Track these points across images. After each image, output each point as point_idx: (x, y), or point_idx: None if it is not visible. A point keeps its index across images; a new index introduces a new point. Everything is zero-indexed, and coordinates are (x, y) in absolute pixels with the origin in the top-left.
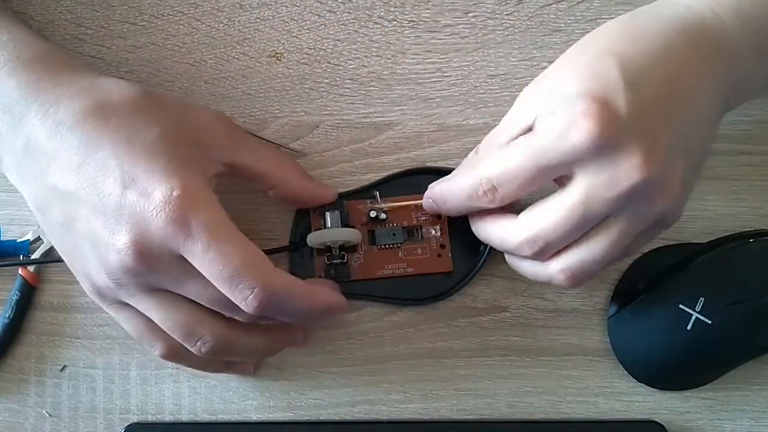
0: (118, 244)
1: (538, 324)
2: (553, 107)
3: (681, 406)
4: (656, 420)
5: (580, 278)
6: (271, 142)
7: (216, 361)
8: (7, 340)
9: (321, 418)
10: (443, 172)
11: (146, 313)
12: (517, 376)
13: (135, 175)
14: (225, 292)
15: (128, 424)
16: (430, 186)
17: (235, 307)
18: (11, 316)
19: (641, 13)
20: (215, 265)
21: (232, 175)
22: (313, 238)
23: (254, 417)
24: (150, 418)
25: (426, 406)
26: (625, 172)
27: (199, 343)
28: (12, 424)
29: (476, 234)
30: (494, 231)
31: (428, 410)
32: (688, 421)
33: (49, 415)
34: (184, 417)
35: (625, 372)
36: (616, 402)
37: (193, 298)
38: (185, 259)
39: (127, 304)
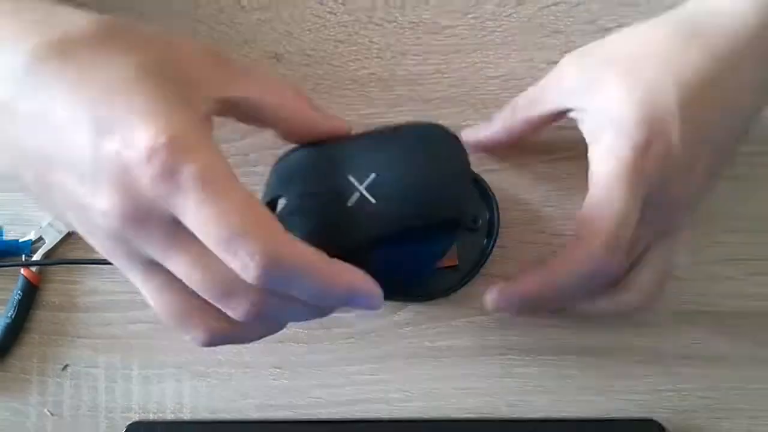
0: (100, 206)
1: (538, 323)
2: (615, 131)
3: (680, 405)
4: (655, 419)
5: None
6: None
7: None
8: (10, 340)
9: (321, 416)
10: None
11: (139, 288)
12: (517, 375)
13: (110, 122)
14: (222, 256)
15: (130, 422)
16: (513, 286)
17: (229, 298)
18: (13, 316)
19: (696, 22)
20: (210, 224)
21: (226, 113)
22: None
23: (255, 416)
24: (152, 417)
25: (426, 405)
26: (673, 197)
27: (190, 337)
28: (14, 424)
29: (585, 310)
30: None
31: (428, 409)
32: (686, 419)
33: (51, 414)
34: (186, 416)
35: (626, 371)
36: (615, 401)
37: (181, 278)
38: (177, 222)
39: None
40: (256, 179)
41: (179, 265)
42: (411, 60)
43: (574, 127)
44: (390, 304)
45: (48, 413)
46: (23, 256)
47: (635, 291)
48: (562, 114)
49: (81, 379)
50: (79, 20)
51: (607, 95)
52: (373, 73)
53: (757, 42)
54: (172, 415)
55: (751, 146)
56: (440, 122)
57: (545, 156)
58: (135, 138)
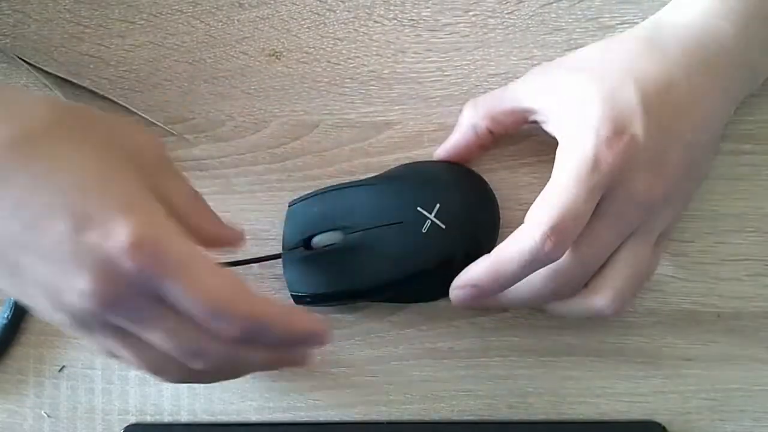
0: (78, 287)
1: (539, 324)
2: (579, 126)
3: (682, 407)
4: (657, 421)
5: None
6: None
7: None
8: (6, 341)
9: (321, 419)
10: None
11: (114, 351)
12: (517, 377)
13: (88, 214)
14: (207, 322)
15: (127, 425)
16: (464, 274)
17: (197, 358)
18: (9, 317)
19: (661, 33)
20: (197, 303)
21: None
22: (319, 241)
23: (254, 418)
24: (149, 419)
25: (426, 407)
26: (640, 193)
27: (164, 379)
28: (10, 425)
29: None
30: (512, 260)
31: (428, 411)
32: (689, 421)
33: (48, 416)
34: (183, 418)
35: (627, 372)
36: (617, 403)
37: (154, 345)
38: (155, 302)
39: None
40: (254, 178)
41: (154, 335)
42: (411, 58)
43: None
44: (390, 305)
45: (44, 415)
46: None
47: (602, 294)
48: (525, 114)
49: (78, 380)
50: (36, 112)
51: (573, 96)
52: (372, 71)
53: (709, 52)
54: (170, 418)
55: (752, 146)
56: (441, 121)
57: (545, 156)
58: (116, 231)
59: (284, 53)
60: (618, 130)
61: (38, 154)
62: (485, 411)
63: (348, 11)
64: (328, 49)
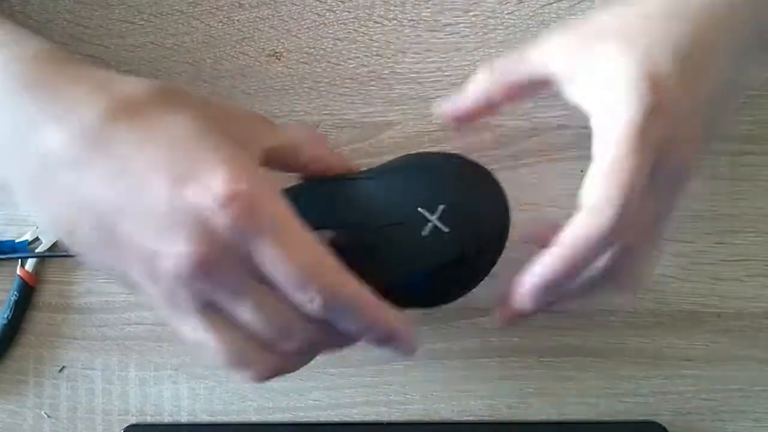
0: (174, 250)
1: (539, 325)
2: (618, 95)
3: (682, 407)
4: (657, 421)
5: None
6: None
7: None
8: (6, 341)
9: (321, 419)
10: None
11: (198, 333)
12: (517, 377)
13: (187, 170)
14: (290, 290)
15: (127, 425)
16: (528, 273)
17: (286, 335)
18: (9, 317)
19: (677, 3)
20: (285, 262)
21: (267, 163)
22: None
23: (254, 418)
24: (149, 420)
25: (426, 408)
26: (681, 159)
27: (249, 372)
28: (10, 425)
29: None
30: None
31: (428, 411)
32: (689, 422)
33: (48, 416)
34: (183, 418)
35: (627, 372)
36: (617, 403)
37: (242, 321)
38: (248, 264)
39: None
40: None
41: (244, 307)
42: (411, 58)
43: (574, 126)
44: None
45: (44, 415)
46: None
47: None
48: (543, 83)
49: (78, 380)
50: (137, 85)
51: (604, 57)
52: (372, 71)
53: (720, 8)
54: (170, 418)
55: (752, 146)
56: (441, 121)
57: (545, 156)
58: (212, 186)
59: (284, 53)
60: (660, 92)
61: (138, 122)
62: (485, 411)
63: (348, 11)
64: (328, 49)
